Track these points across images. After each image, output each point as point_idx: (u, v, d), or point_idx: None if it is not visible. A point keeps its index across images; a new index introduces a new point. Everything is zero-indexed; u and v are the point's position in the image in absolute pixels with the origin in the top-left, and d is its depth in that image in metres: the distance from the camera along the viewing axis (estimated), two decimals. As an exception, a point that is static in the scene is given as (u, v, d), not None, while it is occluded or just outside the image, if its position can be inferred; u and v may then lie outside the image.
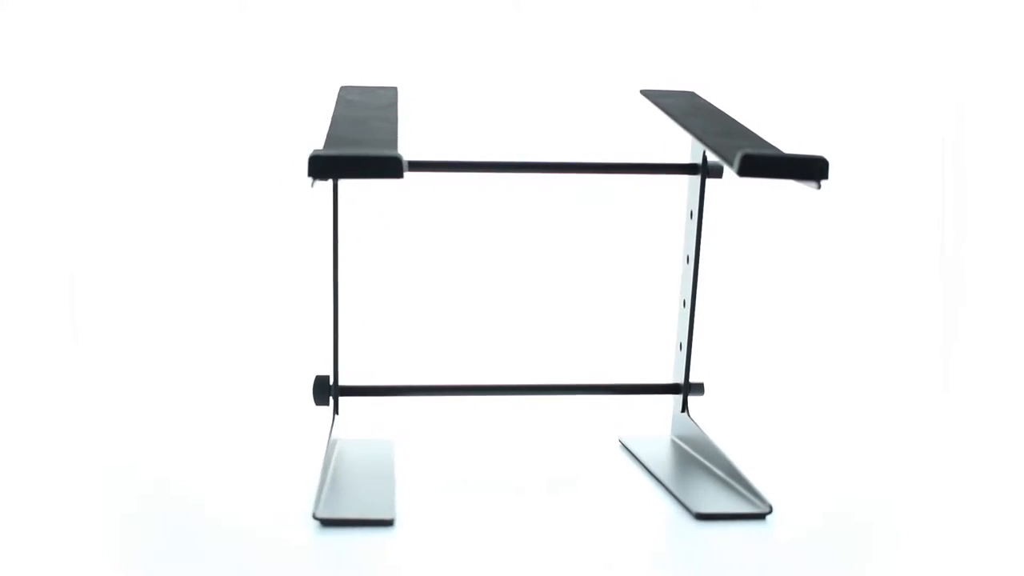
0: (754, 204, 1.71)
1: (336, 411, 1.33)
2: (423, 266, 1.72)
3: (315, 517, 1.10)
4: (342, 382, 1.30)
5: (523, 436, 1.44)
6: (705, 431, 1.29)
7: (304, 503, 1.16)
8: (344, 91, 1.30)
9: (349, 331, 1.40)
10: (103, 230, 1.69)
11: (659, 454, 1.33)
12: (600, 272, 1.73)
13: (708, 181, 1.33)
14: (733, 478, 1.20)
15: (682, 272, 1.38)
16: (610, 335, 1.70)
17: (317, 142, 1.31)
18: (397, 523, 1.09)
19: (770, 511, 1.11)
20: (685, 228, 1.37)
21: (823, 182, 1.04)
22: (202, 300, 1.70)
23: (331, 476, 1.19)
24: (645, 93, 1.36)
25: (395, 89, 1.33)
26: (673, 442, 1.38)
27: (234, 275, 1.71)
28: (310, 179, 1.01)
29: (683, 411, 1.37)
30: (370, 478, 1.22)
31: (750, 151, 1.01)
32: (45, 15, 1.64)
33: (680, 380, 1.37)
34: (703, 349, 1.40)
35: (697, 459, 1.29)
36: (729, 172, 1.34)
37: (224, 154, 1.69)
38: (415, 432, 1.43)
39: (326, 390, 1.34)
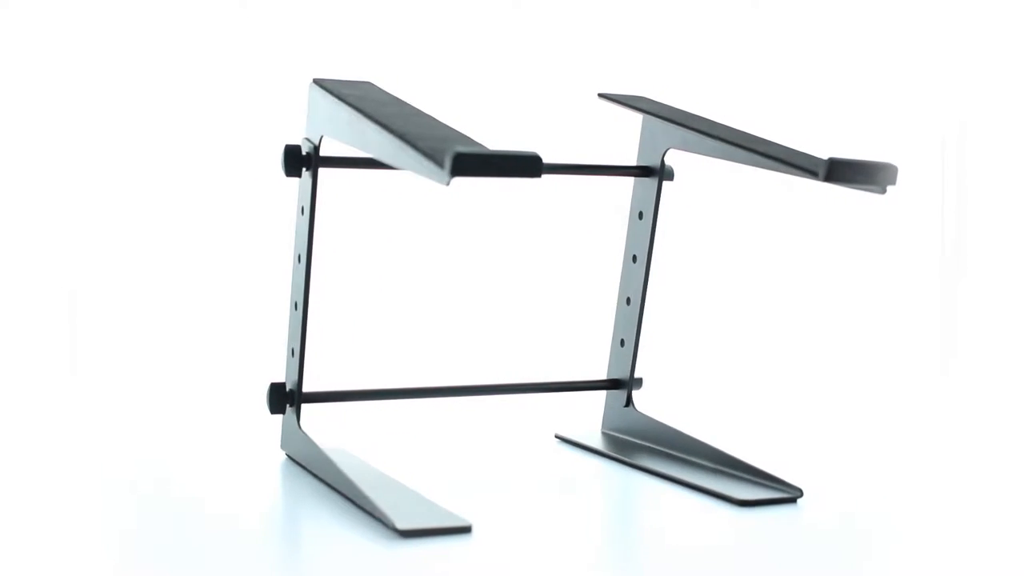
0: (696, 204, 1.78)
1: (299, 419, 1.29)
2: (360, 266, 1.67)
3: (397, 529, 1.06)
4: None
5: (468, 436, 1.44)
6: (674, 425, 1.34)
7: (309, 511, 1.12)
8: (333, 84, 1.25)
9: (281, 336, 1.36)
10: (92, 234, 1.65)
11: (627, 449, 1.37)
12: (522, 272, 1.75)
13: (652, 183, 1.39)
14: (734, 467, 1.26)
15: (623, 271, 1.43)
16: (521, 334, 1.72)
17: (289, 138, 1.27)
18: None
19: (801, 494, 1.19)
20: (629, 228, 1.42)
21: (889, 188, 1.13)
22: (182, 301, 1.66)
23: (362, 486, 1.15)
24: (604, 96, 1.40)
25: (371, 83, 1.29)
26: (616, 436, 1.42)
27: (213, 274, 1.68)
28: (446, 177, 0.98)
29: (627, 405, 1.42)
30: (390, 486, 1.19)
31: (836, 157, 1.08)
32: (44, 16, 1.57)
33: (617, 375, 1.42)
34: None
35: (669, 453, 1.34)
36: (682, 175, 1.40)
37: (190, 153, 1.66)
38: (366, 438, 1.40)
39: (286, 398, 1.29)
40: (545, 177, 1.50)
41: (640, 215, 1.40)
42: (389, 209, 1.71)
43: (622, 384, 1.42)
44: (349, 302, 1.68)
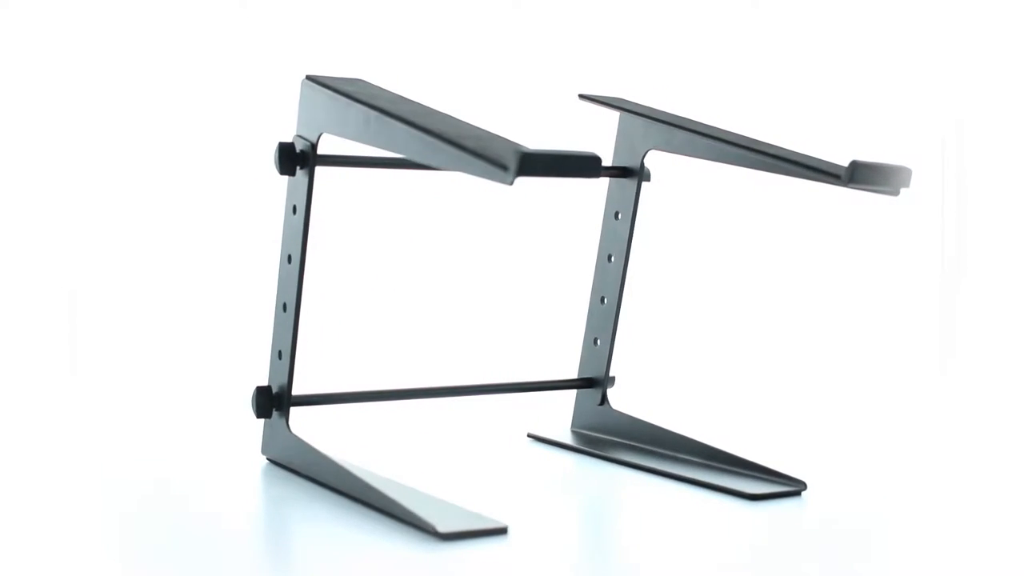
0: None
1: (287, 423, 1.27)
2: (326, 266, 1.64)
3: (438, 533, 1.06)
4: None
5: (440, 437, 1.44)
6: (659, 423, 1.36)
7: (318, 514, 1.11)
8: (334, 82, 1.23)
9: (256, 337, 1.34)
10: (92, 234, 1.65)
11: (607, 446, 1.38)
12: (484, 271, 1.74)
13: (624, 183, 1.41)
14: (726, 462, 1.29)
15: (597, 270, 1.44)
16: (482, 334, 1.72)
17: (277, 135, 1.26)
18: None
19: (805, 487, 1.22)
20: (603, 228, 1.43)
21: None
22: (180, 301, 1.65)
23: (387, 491, 1.13)
24: (585, 97, 1.41)
25: (364, 80, 1.28)
26: (590, 435, 1.43)
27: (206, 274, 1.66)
28: (510, 177, 0.98)
29: (602, 403, 1.43)
30: (408, 490, 1.17)
31: (860, 160, 1.12)
32: (42, 18, 1.56)
33: (591, 374, 1.44)
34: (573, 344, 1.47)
35: (655, 450, 1.36)
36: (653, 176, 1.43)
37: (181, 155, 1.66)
38: (336, 440, 1.39)
39: (273, 401, 1.26)
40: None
41: (616, 215, 1.41)
42: (356, 209, 1.69)
43: (597, 383, 1.43)
44: (314, 304, 1.66)
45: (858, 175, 1.11)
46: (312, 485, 1.21)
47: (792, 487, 1.22)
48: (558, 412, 1.50)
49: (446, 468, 1.30)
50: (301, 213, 1.24)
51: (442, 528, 1.05)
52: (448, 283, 1.77)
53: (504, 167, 0.97)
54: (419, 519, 1.07)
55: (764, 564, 1.02)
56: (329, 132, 1.21)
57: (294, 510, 1.14)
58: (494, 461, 1.34)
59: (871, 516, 1.16)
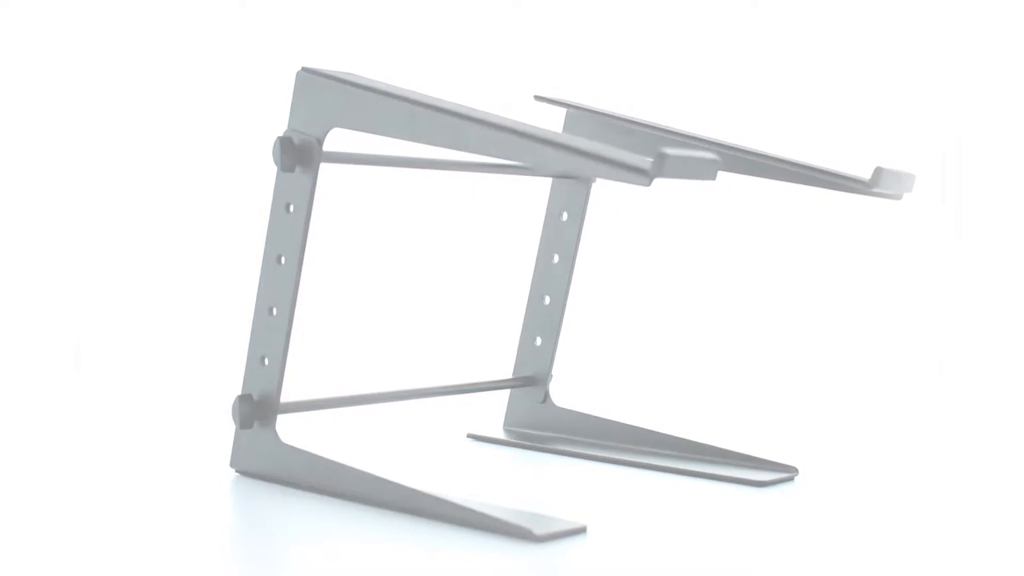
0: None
1: (276, 433, 1.21)
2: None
3: (535, 535, 1.05)
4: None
5: (385, 442, 1.41)
6: (618, 418, 1.39)
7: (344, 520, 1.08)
8: (343, 76, 1.19)
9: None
10: (92, 233, 1.63)
11: (553, 442, 1.39)
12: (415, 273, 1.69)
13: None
14: (704, 453, 1.34)
15: (538, 270, 1.45)
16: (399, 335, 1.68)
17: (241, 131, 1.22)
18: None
19: (797, 472, 1.29)
20: (546, 228, 1.44)
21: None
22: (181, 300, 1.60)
23: (458, 501, 1.11)
24: (540, 99, 1.42)
25: (356, 74, 1.24)
26: (530, 432, 1.44)
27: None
28: (648, 179, 0.99)
29: (543, 401, 1.45)
30: (460, 498, 1.15)
31: (882, 167, 1.19)
32: (39, 22, 1.52)
33: (530, 372, 1.45)
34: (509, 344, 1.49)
35: (621, 445, 1.38)
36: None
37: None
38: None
39: (259, 411, 1.21)
40: (464, 176, 1.49)
41: (562, 215, 1.42)
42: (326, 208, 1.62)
43: (538, 381, 1.43)
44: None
45: (881, 180, 1.18)
46: (306, 496, 1.16)
47: (785, 473, 1.27)
48: (487, 412, 1.48)
49: (430, 471, 1.27)
50: (298, 212, 1.18)
51: (538, 531, 1.04)
52: (367, 284, 1.72)
53: (642, 170, 0.97)
54: (511, 525, 1.05)
55: (783, 551, 1.06)
56: (346, 127, 1.16)
57: (315, 522, 1.09)
58: (469, 463, 1.32)
59: (867, 504, 1.21)
